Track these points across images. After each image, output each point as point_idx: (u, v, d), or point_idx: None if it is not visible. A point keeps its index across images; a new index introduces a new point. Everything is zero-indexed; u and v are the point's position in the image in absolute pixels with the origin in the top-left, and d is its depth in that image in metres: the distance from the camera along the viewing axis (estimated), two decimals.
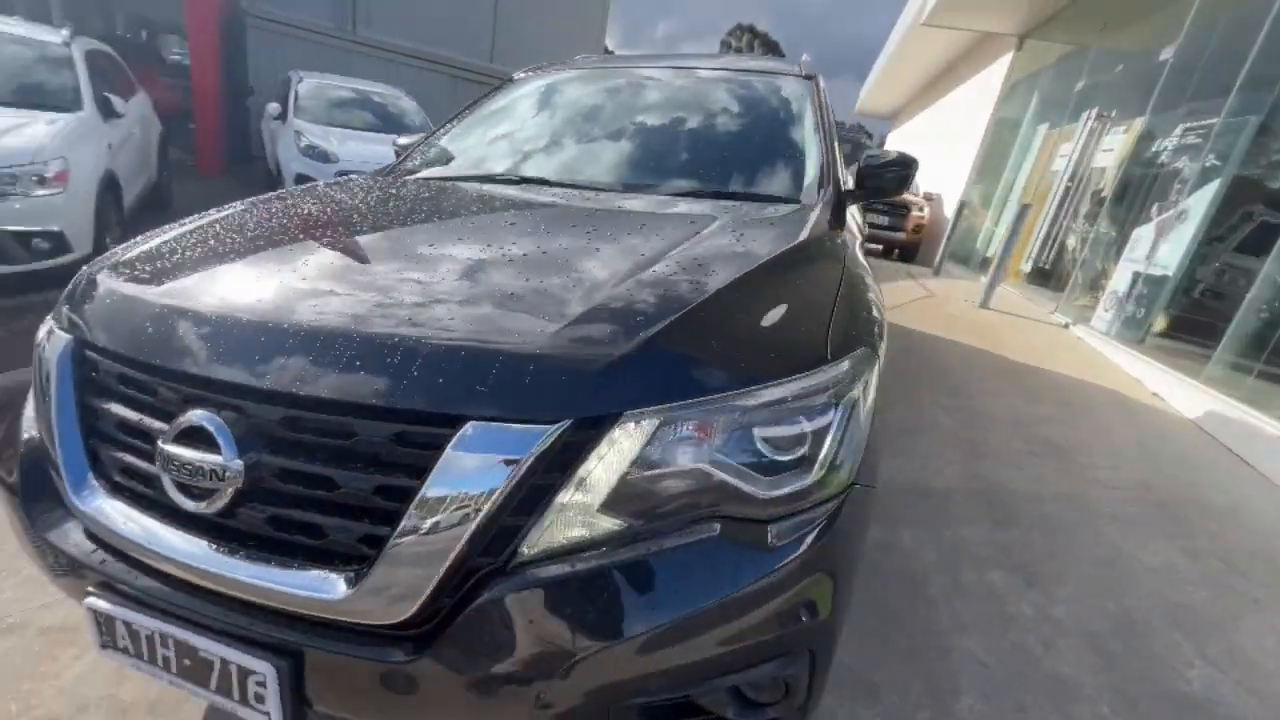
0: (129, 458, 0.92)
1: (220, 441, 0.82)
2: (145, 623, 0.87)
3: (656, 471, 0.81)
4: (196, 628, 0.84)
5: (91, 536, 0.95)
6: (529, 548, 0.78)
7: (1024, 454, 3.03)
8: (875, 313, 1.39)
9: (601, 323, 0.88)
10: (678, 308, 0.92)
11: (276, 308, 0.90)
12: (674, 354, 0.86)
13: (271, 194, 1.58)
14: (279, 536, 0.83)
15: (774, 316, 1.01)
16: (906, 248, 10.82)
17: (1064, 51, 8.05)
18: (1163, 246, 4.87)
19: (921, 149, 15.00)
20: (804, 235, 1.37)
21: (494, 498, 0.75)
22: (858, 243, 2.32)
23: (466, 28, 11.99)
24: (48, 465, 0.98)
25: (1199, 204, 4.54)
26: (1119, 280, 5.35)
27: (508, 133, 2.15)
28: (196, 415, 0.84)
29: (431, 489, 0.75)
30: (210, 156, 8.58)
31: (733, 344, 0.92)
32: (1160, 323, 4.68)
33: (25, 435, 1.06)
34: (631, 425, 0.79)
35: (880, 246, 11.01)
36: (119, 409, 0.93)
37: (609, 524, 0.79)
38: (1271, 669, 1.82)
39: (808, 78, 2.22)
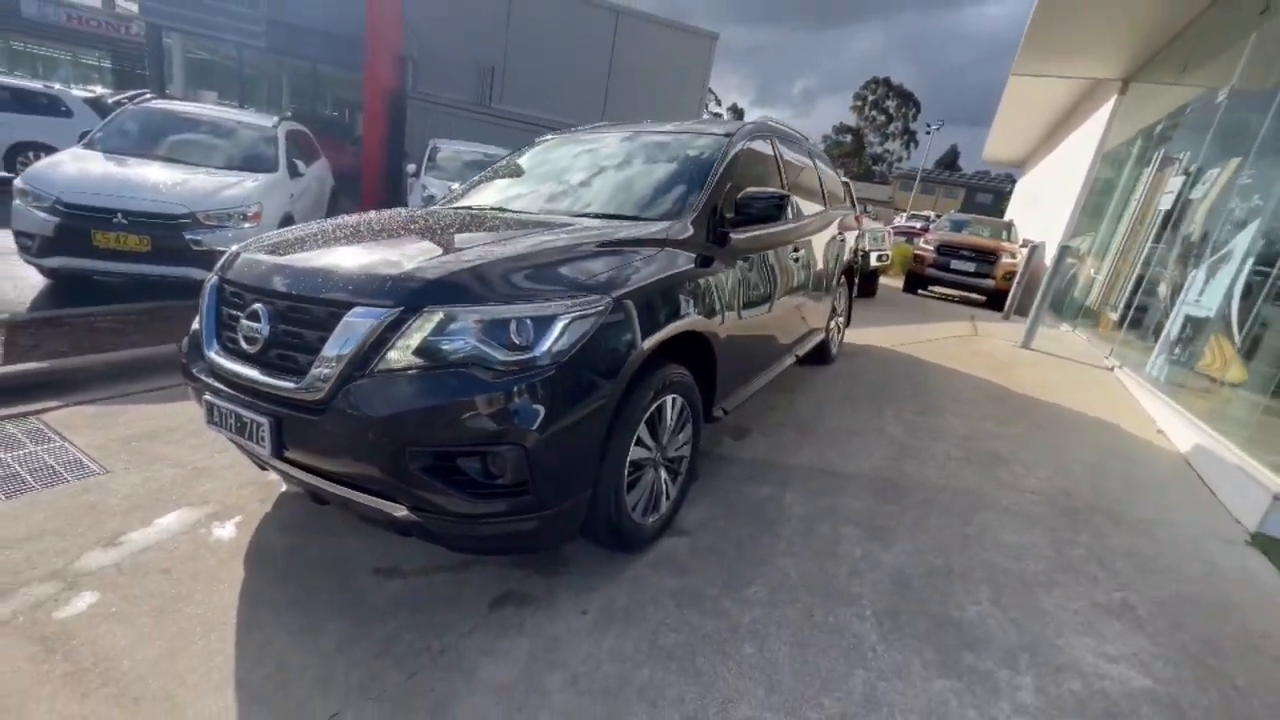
0: (229, 331, 1.89)
1: (262, 317, 1.75)
2: (224, 406, 1.80)
3: (444, 339, 1.59)
4: (242, 405, 1.75)
5: (211, 371, 1.92)
6: (377, 367, 1.60)
7: (956, 460, 3.31)
8: (674, 293, 2.08)
9: (429, 265, 1.71)
10: (475, 261, 1.73)
11: (291, 257, 1.85)
12: (458, 281, 1.66)
13: (341, 216, 2.62)
14: (277, 362, 1.73)
15: (545, 271, 1.78)
16: (998, 295, 10.44)
17: (1158, 95, 7.74)
18: (1209, 289, 4.69)
19: (1038, 197, 14.32)
20: (630, 234, 2.13)
21: (362, 341, 1.59)
22: (767, 255, 2.96)
23: (582, 95, 13.89)
24: (198, 340, 1.99)
25: (1240, 244, 4.40)
26: (1173, 324, 5.14)
27: (507, 178, 3.14)
28: (256, 305, 1.78)
29: (334, 336, 1.61)
30: (371, 206, 10.82)
31: (500, 280, 1.70)
32: (1196, 363, 4.50)
33: (191, 331, 2.11)
34: (430, 314, 1.59)
35: (983, 297, 10.71)
36: (228, 308, 1.91)
37: (418, 360, 1.59)
38: (1058, 618, 2.08)
39: (726, 135, 2.94)
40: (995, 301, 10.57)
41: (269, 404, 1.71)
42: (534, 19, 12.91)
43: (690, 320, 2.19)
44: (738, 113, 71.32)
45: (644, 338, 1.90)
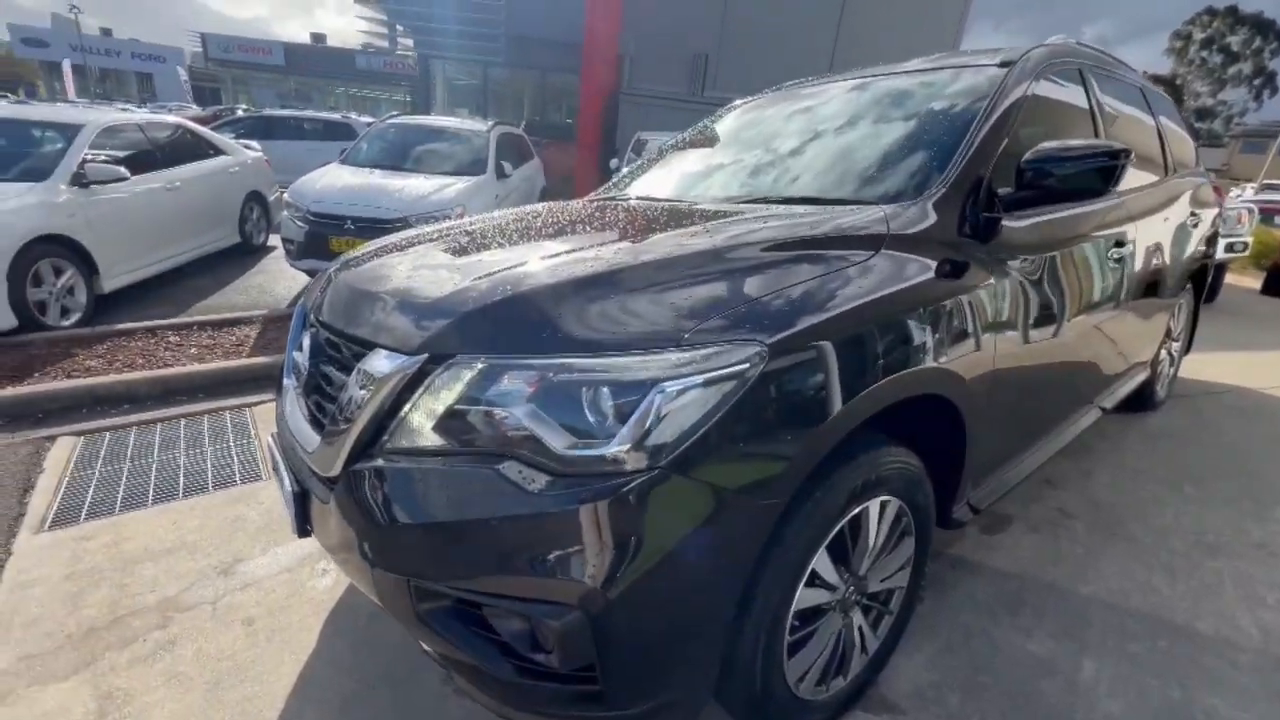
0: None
1: (307, 349, 1.35)
2: (278, 456, 1.46)
3: (479, 407, 0.98)
4: (285, 458, 1.38)
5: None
6: (389, 443, 1.05)
7: None
8: (895, 328, 1.21)
9: (471, 288, 1.10)
10: (542, 281, 1.07)
11: (352, 272, 1.41)
12: (507, 319, 1.02)
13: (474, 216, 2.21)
14: (314, 411, 1.31)
15: (663, 297, 1.05)
16: None
17: None
18: None
19: None
20: (823, 230, 1.29)
21: (378, 401, 1.05)
22: (1071, 251, 1.85)
23: (804, 70, 12.57)
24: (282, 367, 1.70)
25: None
26: None
27: (678, 156, 2.48)
28: (306, 333, 1.39)
29: (346, 389, 1.11)
30: None
31: (576, 314, 1.01)
32: None
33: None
34: (461, 366, 0.99)
35: None
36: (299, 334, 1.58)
37: (438, 439, 1.00)
38: None
39: (1002, 66, 1.84)
40: None
41: (299, 464, 1.31)
42: None
43: (923, 373, 1.27)
44: None
45: (831, 412, 1.06)
